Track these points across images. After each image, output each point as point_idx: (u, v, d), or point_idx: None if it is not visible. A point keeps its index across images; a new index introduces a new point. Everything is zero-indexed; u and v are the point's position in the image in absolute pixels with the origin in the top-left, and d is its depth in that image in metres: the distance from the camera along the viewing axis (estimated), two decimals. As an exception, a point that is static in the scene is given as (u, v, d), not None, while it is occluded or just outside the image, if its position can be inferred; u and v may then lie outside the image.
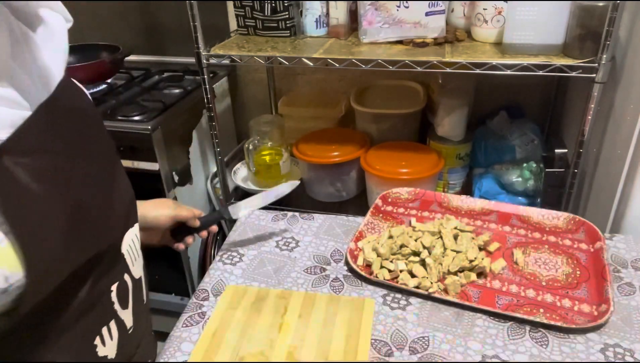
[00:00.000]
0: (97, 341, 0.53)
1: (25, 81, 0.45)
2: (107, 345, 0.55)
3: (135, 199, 0.62)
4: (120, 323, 0.57)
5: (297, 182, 0.95)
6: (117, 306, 0.56)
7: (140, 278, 0.63)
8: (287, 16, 1.29)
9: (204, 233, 0.90)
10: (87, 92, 0.57)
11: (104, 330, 0.54)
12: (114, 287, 0.56)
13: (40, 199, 0.43)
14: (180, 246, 0.89)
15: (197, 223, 0.87)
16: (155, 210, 0.82)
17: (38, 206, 0.42)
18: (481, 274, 0.86)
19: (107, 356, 0.55)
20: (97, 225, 0.51)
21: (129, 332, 0.60)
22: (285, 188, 0.93)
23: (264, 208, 1.13)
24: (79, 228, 0.47)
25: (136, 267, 0.61)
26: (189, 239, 0.89)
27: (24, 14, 0.45)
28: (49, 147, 0.45)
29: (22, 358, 0.46)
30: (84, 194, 0.49)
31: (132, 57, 1.69)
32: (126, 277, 0.58)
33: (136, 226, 0.62)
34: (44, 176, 0.43)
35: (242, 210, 0.93)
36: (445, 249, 0.87)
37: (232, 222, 1.05)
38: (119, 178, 0.58)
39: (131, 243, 0.59)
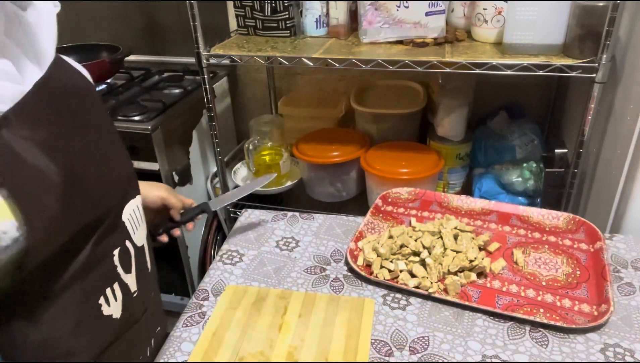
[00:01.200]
0: (102, 300, 0.56)
1: (20, 57, 0.47)
2: (112, 305, 0.58)
3: (135, 174, 0.65)
4: (124, 286, 0.60)
5: (274, 174, 1.05)
6: (119, 269, 0.59)
7: (142, 246, 0.66)
8: (287, 16, 1.29)
9: (190, 225, 0.93)
10: (84, 71, 0.59)
11: (108, 290, 0.57)
12: (115, 252, 0.59)
13: (39, 167, 0.45)
14: (164, 238, 0.90)
15: (177, 217, 0.90)
16: (147, 189, 0.84)
17: (36, 173, 0.45)
18: (481, 274, 0.86)
19: (112, 315, 0.58)
20: (94, 192, 0.54)
21: (134, 295, 0.63)
22: (261, 180, 1.04)
23: (264, 208, 1.14)
24: (76, 194, 0.49)
25: (138, 236, 0.64)
26: (176, 231, 0.91)
27: None
28: (47, 119, 0.48)
29: (26, 313, 0.49)
30: (81, 163, 0.52)
31: (132, 57, 1.69)
32: (128, 244, 0.61)
33: (138, 198, 0.65)
34: (42, 145, 0.46)
35: (221, 203, 0.98)
36: (445, 249, 0.87)
37: (232, 221, 1.06)
38: (117, 152, 0.61)
39: (132, 213, 0.62)
